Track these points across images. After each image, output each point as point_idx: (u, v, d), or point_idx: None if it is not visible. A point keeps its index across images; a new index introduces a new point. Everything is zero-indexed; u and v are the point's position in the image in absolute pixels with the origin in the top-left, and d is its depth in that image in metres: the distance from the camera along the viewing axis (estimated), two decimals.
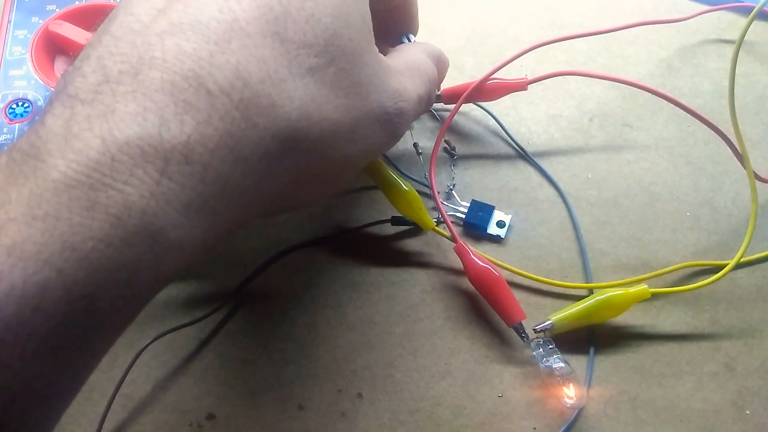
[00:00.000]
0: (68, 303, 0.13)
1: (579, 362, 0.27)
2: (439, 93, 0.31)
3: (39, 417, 0.14)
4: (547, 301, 0.29)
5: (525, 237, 0.30)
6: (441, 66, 0.25)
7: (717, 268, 0.28)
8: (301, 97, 0.16)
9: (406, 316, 0.28)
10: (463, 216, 0.30)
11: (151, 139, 0.14)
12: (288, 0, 0.16)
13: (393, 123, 0.20)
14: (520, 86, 0.30)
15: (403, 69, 0.21)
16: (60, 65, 0.30)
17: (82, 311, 0.13)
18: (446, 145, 0.32)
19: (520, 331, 0.27)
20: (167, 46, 0.15)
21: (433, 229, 0.28)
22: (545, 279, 0.28)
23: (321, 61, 0.17)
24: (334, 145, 0.18)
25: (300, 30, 0.16)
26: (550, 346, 0.27)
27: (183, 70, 0.15)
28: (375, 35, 0.24)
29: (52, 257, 0.12)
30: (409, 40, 0.27)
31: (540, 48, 0.30)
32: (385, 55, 0.26)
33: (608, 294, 0.27)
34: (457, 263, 0.28)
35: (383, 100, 0.19)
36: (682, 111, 0.27)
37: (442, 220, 0.28)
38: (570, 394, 0.26)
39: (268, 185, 0.17)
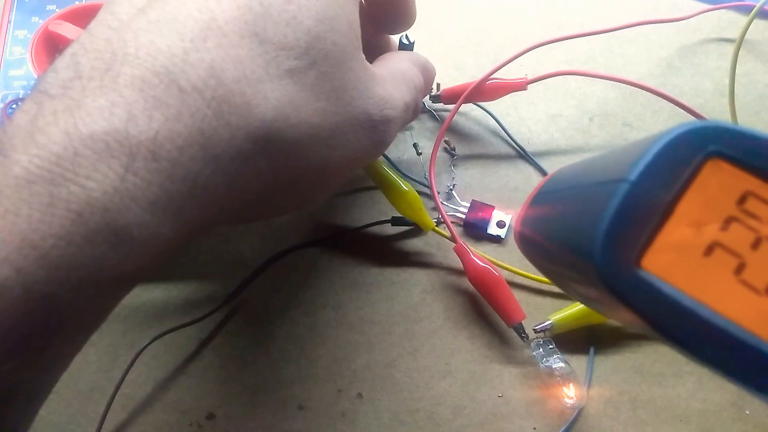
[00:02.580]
0: (28, 302, 0.12)
1: (579, 362, 0.27)
2: (439, 93, 0.31)
3: (3, 420, 0.14)
4: (547, 301, 0.28)
5: None
6: (427, 75, 0.24)
7: None
8: (278, 98, 0.16)
9: (406, 316, 0.28)
10: (463, 216, 0.30)
11: (116, 134, 0.13)
12: (269, 1, 0.16)
13: (378, 131, 0.20)
14: (520, 86, 0.30)
15: (388, 77, 0.21)
16: None
17: (44, 311, 0.13)
18: (446, 145, 0.32)
19: (520, 331, 0.27)
20: (141, 43, 0.15)
21: (433, 230, 0.28)
22: (545, 279, 0.28)
23: (301, 63, 0.16)
24: (312, 149, 0.18)
25: (280, 32, 0.16)
26: (550, 346, 0.27)
27: (155, 67, 0.14)
28: (370, 25, 0.24)
29: (10, 255, 0.12)
30: (408, 40, 0.27)
31: (540, 48, 0.30)
32: (378, 45, 0.26)
33: None
34: (457, 263, 0.28)
35: (368, 107, 0.19)
36: (682, 110, 0.27)
37: (442, 220, 0.28)
38: (570, 394, 0.26)
39: (241, 187, 0.16)
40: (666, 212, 0.12)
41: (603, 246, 0.12)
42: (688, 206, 0.12)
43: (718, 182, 0.12)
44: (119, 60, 0.14)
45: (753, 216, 0.11)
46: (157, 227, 0.14)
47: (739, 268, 0.11)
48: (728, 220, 0.11)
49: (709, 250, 0.11)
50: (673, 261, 0.11)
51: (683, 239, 0.12)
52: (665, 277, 0.11)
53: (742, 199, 0.12)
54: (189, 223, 0.15)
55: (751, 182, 0.11)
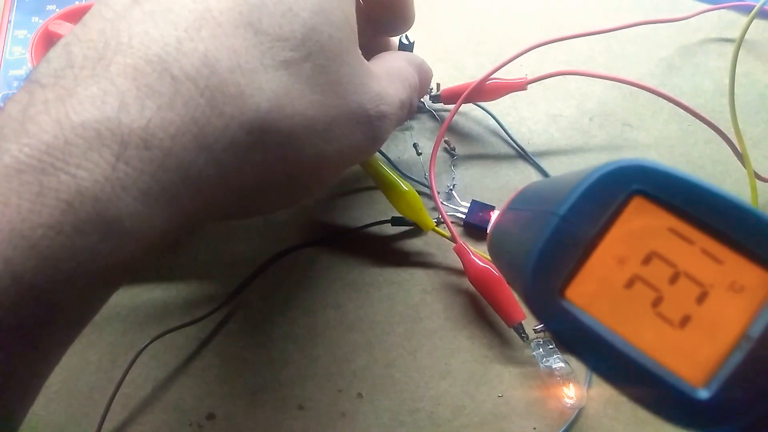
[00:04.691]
0: (18, 293, 0.12)
1: (579, 362, 0.27)
2: (439, 93, 0.31)
3: None
4: None
5: None
6: (423, 75, 0.24)
7: None
8: (273, 89, 0.16)
9: (406, 316, 0.28)
10: (463, 216, 0.30)
11: (108, 122, 0.13)
12: None
13: (374, 126, 0.20)
14: (520, 86, 0.30)
15: (383, 74, 0.21)
16: None
17: (34, 302, 0.13)
18: (446, 145, 0.32)
19: (520, 331, 0.27)
20: (134, 32, 0.15)
21: (433, 229, 0.28)
22: None
23: (297, 55, 0.16)
24: (307, 142, 0.17)
25: (276, 23, 0.16)
26: (550, 346, 0.27)
27: (148, 55, 0.14)
28: (369, 27, 0.24)
29: None
30: (408, 41, 0.27)
31: (540, 48, 0.30)
32: (378, 47, 0.26)
33: None
34: (457, 263, 0.28)
35: (364, 102, 0.19)
36: (682, 110, 0.27)
37: (442, 220, 0.28)
38: (570, 394, 0.26)
39: (234, 178, 0.16)
40: (590, 246, 0.12)
41: (531, 275, 0.12)
42: (612, 241, 0.12)
43: (641, 219, 0.12)
44: (112, 49, 0.14)
45: (672, 252, 0.12)
46: (148, 217, 0.14)
47: (657, 301, 0.12)
48: (649, 256, 0.12)
49: (630, 283, 0.12)
50: (595, 293, 0.12)
51: (606, 272, 0.12)
52: (586, 308, 0.12)
53: (662, 236, 0.12)
54: (181, 213, 0.15)
55: (671, 220, 0.12)
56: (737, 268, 0.11)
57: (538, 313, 0.12)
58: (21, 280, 0.12)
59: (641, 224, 0.12)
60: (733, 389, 0.11)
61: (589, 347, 0.12)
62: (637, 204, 0.12)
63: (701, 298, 0.12)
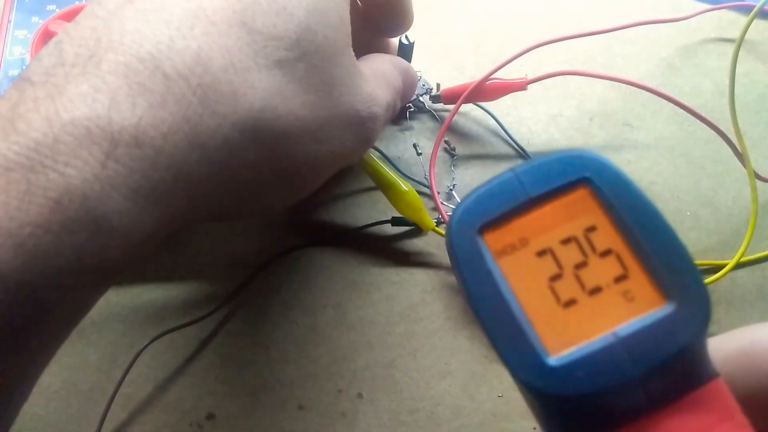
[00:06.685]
0: (5, 292, 0.12)
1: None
2: (439, 93, 0.31)
3: None
4: None
5: None
6: (408, 79, 0.24)
7: (717, 268, 0.28)
8: (266, 88, 0.16)
9: (406, 316, 0.28)
10: None
11: (98, 120, 0.13)
12: None
13: (366, 127, 0.20)
14: (520, 86, 0.30)
15: (370, 76, 0.21)
16: None
17: (21, 301, 0.13)
18: (446, 145, 0.32)
19: None
20: (126, 30, 0.14)
21: (433, 230, 0.28)
22: None
23: (291, 54, 0.16)
24: (299, 142, 0.17)
25: (270, 22, 0.16)
26: None
27: (140, 53, 0.14)
28: (368, 28, 0.24)
29: None
30: (408, 41, 0.27)
31: (540, 48, 0.30)
32: (378, 48, 0.26)
33: None
34: None
35: (356, 104, 0.19)
36: (682, 110, 0.27)
37: (442, 220, 0.28)
38: None
39: (226, 178, 0.16)
40: (526, 207, 0.13)
41: (464, 209, 0.13)
42: (546, 212, 0.13)
43: (580, 205, 0.13)
44: (104, 47, 0.14)
45: (590, 244, 0.13)
46: (138, 216, 0.14)
47: (555, 277, 0.13)
48: (569, 239, 0.13)
49: (542, 252, 0.13)
50: (509, 247, 0.13)
51: (527, 235, 0.13)
52: (495, 254, 0.13)
53: (590, 228, 0.13)
54: (172, 212, 0.15)
55: (603, 217, 0.13)
56: (637, 280, 0.13)
57: (451, 244, 0.13)
58: (8, 278, 0.12)
59: (577, 209, 0.13)
60: (578, 369, 0.12)
61: (481, 285, 0.13)
62: (582, 190, 0.13)
63: (594, 291, 0.13)
